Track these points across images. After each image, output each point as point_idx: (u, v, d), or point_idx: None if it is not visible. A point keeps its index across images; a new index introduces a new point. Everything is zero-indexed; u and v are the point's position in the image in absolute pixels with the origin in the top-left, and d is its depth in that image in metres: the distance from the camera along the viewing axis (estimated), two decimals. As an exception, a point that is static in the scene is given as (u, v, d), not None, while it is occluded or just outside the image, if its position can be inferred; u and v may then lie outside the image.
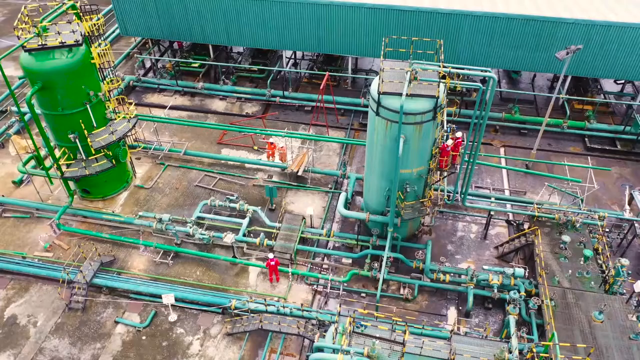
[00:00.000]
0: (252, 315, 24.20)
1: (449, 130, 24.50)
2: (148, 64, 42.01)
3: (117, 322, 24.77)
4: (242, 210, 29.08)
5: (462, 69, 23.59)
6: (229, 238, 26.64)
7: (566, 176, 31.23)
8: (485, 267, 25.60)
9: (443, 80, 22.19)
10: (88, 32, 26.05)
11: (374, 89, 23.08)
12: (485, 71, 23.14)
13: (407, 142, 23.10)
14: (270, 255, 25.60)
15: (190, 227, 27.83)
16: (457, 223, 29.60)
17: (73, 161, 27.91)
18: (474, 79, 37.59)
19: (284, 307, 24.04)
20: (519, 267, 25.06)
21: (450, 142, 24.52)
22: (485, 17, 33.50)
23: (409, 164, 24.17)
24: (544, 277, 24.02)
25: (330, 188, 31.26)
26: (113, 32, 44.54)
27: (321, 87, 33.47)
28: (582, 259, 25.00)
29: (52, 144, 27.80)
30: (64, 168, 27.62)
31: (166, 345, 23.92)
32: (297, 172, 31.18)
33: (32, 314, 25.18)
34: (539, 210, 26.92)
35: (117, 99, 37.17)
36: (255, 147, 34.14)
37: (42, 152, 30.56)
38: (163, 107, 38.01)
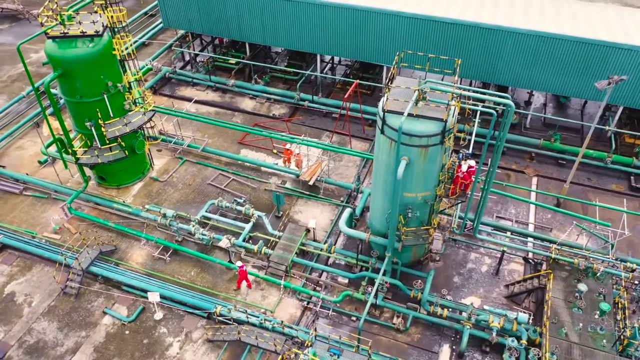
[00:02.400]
0: (235, 324, 23.66)
1: (461, 157, 22.76)
2: (188, 57, 42.42)
3: (105, 313, 24.98)
4: (248, 215, 28.59)
5: (479, 92, 21.81)
6: (224, 242, 26.23)
7: (598, 217, 28.42)
8: (486, 306, 23.69)
9: (452, 103, 20.55)
10: (110, 24, 26.31)
11: (380, 105, 21.83)
12: (503, 97, 21.22)
13: (411, 165, 21.69)
14: (239, 263, 25.19)
15: (193, 226, 27.68)
16: (470, 254, 27.69)
17: (87, 148, 28.41)
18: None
19: (266, 320, 23.29)
20: (523, 311, 22.98)
21: (465, 167, 22.87)
22: (529, 36, 31.13)
23: (413, 188, 22.72)
24: (547, 327, 21.86)
25: (342, 201, 30.15)
26: (159, 23, 45.34)
27: (346, 95, 32.35)
28: (598, 312, 22.59)
29: (69, 129, 28.46)
30: (79, 154, 28.20)
31: (147, 343, 23.84)
32: (309, 181, 30.30)
33: (30, 293, 25.88)
34: (557, 252, 24.62)
35: (152, 88, 38.14)
36: (275, 151, 33.56)
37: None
38: (196, 101, 38.21)
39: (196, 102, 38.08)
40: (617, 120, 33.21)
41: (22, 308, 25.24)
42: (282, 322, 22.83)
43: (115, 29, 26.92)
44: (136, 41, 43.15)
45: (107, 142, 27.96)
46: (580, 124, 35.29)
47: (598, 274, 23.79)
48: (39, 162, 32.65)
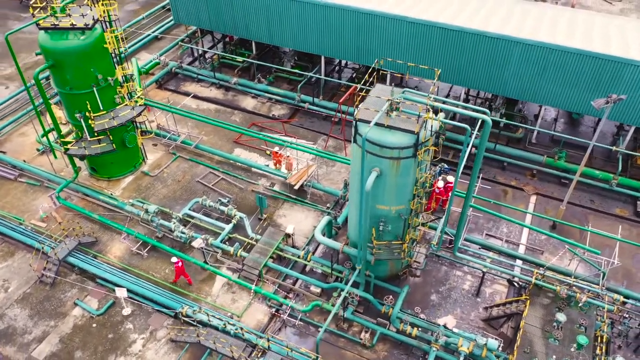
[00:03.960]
0: (198, 325, 23.44)
1: (438, 172, 21.77)
2: (200, 52, 42.43)
3: (76, 304, 25.16)
4: (230, 215, 28.31)
5: (458, 105, 20.79)
6: (197, 242, 26.01)
7: (593, 242, 26.78)
8: (456, 329, 22.62)
9: (424, 115, 19.60)
10: (101, 17, 26.45)
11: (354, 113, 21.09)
12: (480, 112, 20.11)
13: (384, 177, 20.87)
14: (174, 259, 25.39)
15: (174, 223, 27.62)
16: (452, 271, 26.60)
17: (73, 140, 28.71)
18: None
19: (227, 324, 22.92)
20: (495, 337, 21.79)
21: (441, 183, 21.86)
22: (537, 47, 29.67)
23: (386, 200, 21.87)
24: (515, 356, 20.67)
25: (328, 208, 29.49)
26: (171, 19, 45.65)
27: (341, 100, 31.62)
28: (575, 345, 21.24)
29: (59, 120, 28.82)
30: (69, 145, 28.53)
31: (111, 337, 23.87)
32: (295, 185, 29.77)
33: (8, 279, 26.34)
34: (540, 277, 23.31)
35: (157, 82, 38.38)
36: (268, 152, 33.18)
37: (64, 129, 31.96)
38: (197, 96, 38.30)
39: (198, 98, 38.15)
40: (627, 140, 31.32)
41: (-2, 293, 25.74)
42: (241, 327, 22.41)
43: (111, 22, 26.97)
44: (149, 35, 43.59)
45: (96, 134, 28.15)
46: (587, 143, 33.25)
47: (580, 304, 22.38)
48: (37, 150, 33.27)
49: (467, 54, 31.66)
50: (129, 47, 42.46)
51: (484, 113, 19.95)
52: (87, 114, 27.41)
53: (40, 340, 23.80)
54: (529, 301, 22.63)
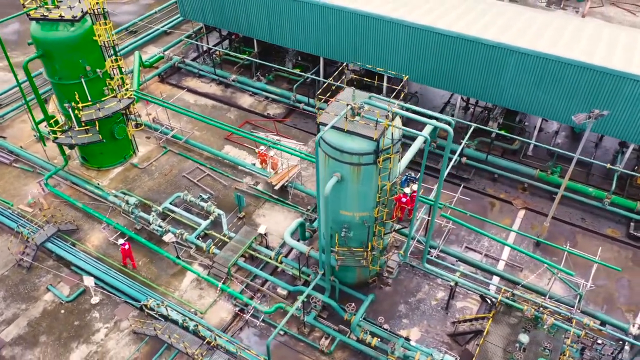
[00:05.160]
0: (160, 319, 23.63)
1: (404, 181, 21.24)
2: (204, 49, 42.80)
3: (48, 290, 25.72)
4: (208, 212, 28.43)
5: (420, 113, 20.22)
6: (168, 237, 26.20)
7: (571, 262, 25.67)
8: (414, 342, 22.07)
9: (383, 122, 19.13)
10: (91, 10, 26.90)
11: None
12: (442, 121, 19.52)
13: (345, 182, 20.54)
14: (121, 241, 26.08)
15: (152, 216, 27.92)
16: (424, 282, 25.98)
17: (67, 129, 29.33)
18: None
19: (189, 319, 23.01)
20: (451, 354, 21.17)
21: (408, 191, 21.37)
22: (533, 57, 28.66)
23: (349, 206, 21.52)
24: (468, 376, 20.03)
25: (308, 210, 29.23)
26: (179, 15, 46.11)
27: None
28: (536, 369, 20.45)
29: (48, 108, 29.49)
30: (58, 133, 29.20)
31: (77, 325, 24.31)
32: (275, 185, 29.66)
33: (-11, 260, 27.19)
34: (508, 295, 22.52)
35: (159, 76, 38.92)
36: (257, 151, 33.13)
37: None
38: (196, 92, 38.65)
39: (197, 93, 38.50)
40: (627, 159, 29.93)
41: (-23, 274, 26.56)
42: (196, 324, 22.45)
43: (105, 15, 27.36)
44: (157, 29, 44.25)
45: (83, 124, 28.69)
46: (586, 160, 31.89)
47: (545, 326, 21.49)
48: (35, 137, 34.19)
49: (462, 61, 30.88)
50: (137, 40, 43.28)
51: (448, 123, 19.37)
52: (74, 104, 27.95)
53: (9, 322, 24.45)
54: (491, 319, 21.87)
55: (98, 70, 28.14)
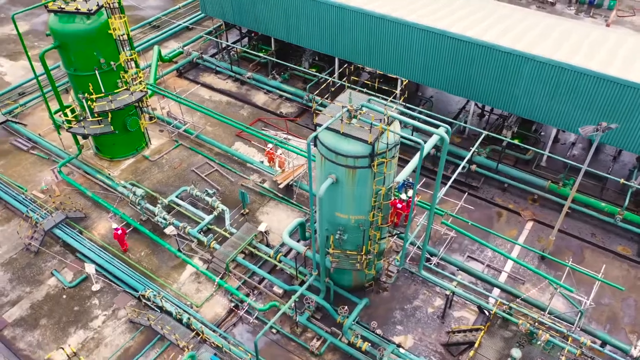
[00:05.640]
0: (157, 310, 24.02)
1: (401, 186, 21.01)
2: (223, 45, 43.24)
3: (52, 274, 26.42)
4: (213, 207, 28.73)
5: (418, 118, 19.96)
6: (169, 229, 26.56)
7: (580, 279, 24.97)
8: (403, 350, 21.82)
9: (378, 125, 18.95)
10: (107, 4, 27.44)
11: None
12: (438, 127, 19.21)
13: (340, 184, 20.49)
14: (115, 225, 26.71)
15: (158, 208, 28.37)
16: (422, 290, 25.65)
17: (82, 119, 30.05)
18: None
19: (184, 312, 23.32)
20: (440, 364, 20.88)
21: (404, 197, 21.14)
22: (549, 66, 27.99)
23: (345, 209, 21.45)
24: (454, 388, 19.71)
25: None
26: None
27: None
28: (526, 385, 19.98)
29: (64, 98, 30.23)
30: (73, 123, 29.96)
31: (76, 310, 24.89)
32: (280, 184, 29.76)
33: None
34: (499, 307, 22.06)
35: (178, 70, 39.55)
36: (265, 149, 33.29)
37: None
38: (212, 87, 39.07)
39: (213, 89, 38.92)
40: (642, 174, 28.96)
41: (-12, 255, 27.48)
42: (189, 317, 22.72)
43: (122, 9, 27.86)
44: (179, 24, 44.88)
45: (96, 115, 29.34)
46: (598, 173, 30.85)
47: (540, 342, 20.96)
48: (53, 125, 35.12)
49: (477, 67, 30.38)
50: (159, 35, 44.01)
51: (446, 130, 19.07)
52: (87, 95, 28.62)
53: (13, 304, 25.22)
54: (483, 331, 21.46)
55: (112, 63, 28.72)
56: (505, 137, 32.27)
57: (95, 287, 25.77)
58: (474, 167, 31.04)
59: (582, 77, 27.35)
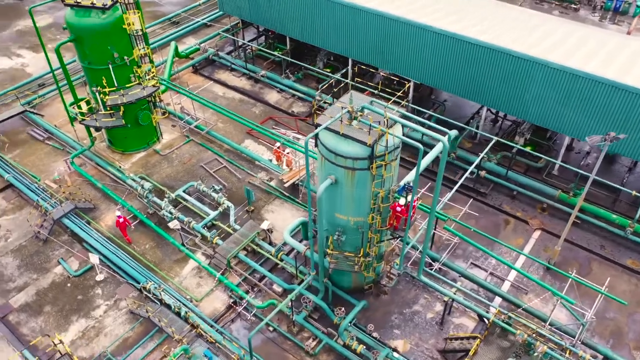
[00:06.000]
0: (157, 302, 24.34)
1: (401, 189, 20.81)
2: (240, 43, 43.50)
3: (59, 263, 26.98)
4: (219, 203, 28.98)
5: (421, 122, 19.80)
6: (173, 224, 26.87)
7: (585, 292, 24.43)
8: (397, 355, 21.68)
9: (376, 127, 18.84)
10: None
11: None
12: (442, 133, 19.02)
13: (340, 186, 20.48)
14: (118, 213, 27.16)
15: (165, 202, 28.74)
16: (423, 294, 25.44)
17: (95, 112, 30.62)
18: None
19: (183, 305, 23.59)
20: (433, 371, 20.68)
21: (403, 201, 20.94)
22: (561, 72, 27.49)
23: (344, 210, 21.44)
24: (445, 395, 19.49)
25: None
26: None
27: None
28: (520, 396, 19.66)
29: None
30: (86, 115, 30.53)
31: (80, 299, 25.38)
32: (285, 183, 29.84)
33: (11, 230, 28.77)
34: (497, 316, 21.73)
35: (193, 67, 40.01)
36: (273, 147, 33.42)
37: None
38: (226, 84, 39.39)
39: (227, 86, 39.23)
40: (657, 186, 28.17)
41: (-1, 241, 28.22)
42: (186, 312, 22.96)
43: (138, 4, 28.32)
44: (197, 21, 45.37)
45: (108, 108, 29.85)
46: (611, 184, 30.05)
47: (537, 354, 20.58)
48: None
49: (489, 72, 30.00)
50: (177, 31, 44.54)
51: (444, 134, 18.87)
52: (100, 88, 29.14)
53: (20, 289, 25.84)
54: (479, 340, 21.17)
55: (125, 57, 29.18)
56: (518, 143, 31.79)
57: (99, 277, 26.23)
58: (483, 173, 30.64)
59: (596, 85, 26.78)
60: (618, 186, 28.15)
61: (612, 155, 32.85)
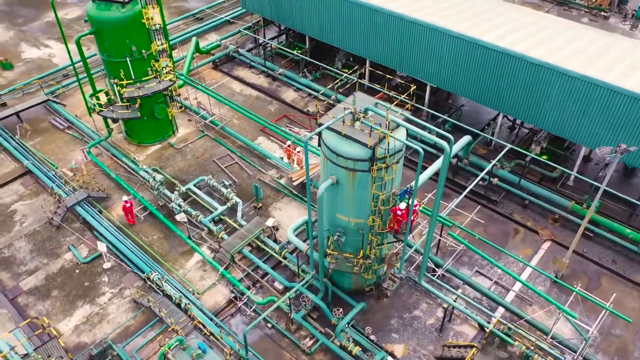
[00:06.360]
0: (159, 292, 24.76)
1: (402, 193, 20.68)
2: (261, 40, 43.78)
3: (69, 249, 27.67)
4: (228, 198, 29.28)
5: (424, 126, 19.60)
6: (180, 216, 27.25)
7: (592, 307, 23.80)
8: (391, 359, 21.52)
9: (378, 129, 18.72)
10: (141, -6, 28.44)
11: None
12: (443, 138, 18.81)
13: (341, 186, 20.47)
14: (125, 198, 27.98)
15: (174, 195, 29.19)
16: (424, 300, 25.20)
17: (112, 103, 31.30)
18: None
19: (184, 297, 23.94)
20: (427, 378, 20.48)
21: (403, 205, 20.81)
22: (580, 81, 26.86)
23: (345, 211, 21.41)
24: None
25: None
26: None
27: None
28: (514, 409, 19.33)
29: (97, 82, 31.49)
30: (104, 106, 31.24)
31: (86, 286, 25.99)
32: (294, 181, 29.95)
33: (26, 215, 29.64)
34: (497, 326, 21.38)
35: (213, 62, 40.51)
36: (284, 145, 33.58)
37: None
38: (244, 81, 39.74)
39: (245, 83, 39.57)
40: (675, 202, 27.25)
41: (14, 225, 29.05)
42: (186, 304, 23.27)
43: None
44: (220, 18, 45.86)
45: (125, 100, 30.46)
46: (627, 198, 29.14)
47: (534, 367, 20.20)
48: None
49: (506, 78, 29.52)
50: (200, 27, 45.13)
51: (447, 140, 18.65)
52: (117, 80, 29.77)
53: (30, 273, 26.61)
54: (475, 349, 20.86)
55: (143, 51, 29.72)
56: (533, 152, 31.18)
57: (107, 265, 26.80)
58: (495, 180, 30.16)
59: (616, 95, 26.07)
60: (634, 200, 27.34)
61: (631, 169, 31.94)
